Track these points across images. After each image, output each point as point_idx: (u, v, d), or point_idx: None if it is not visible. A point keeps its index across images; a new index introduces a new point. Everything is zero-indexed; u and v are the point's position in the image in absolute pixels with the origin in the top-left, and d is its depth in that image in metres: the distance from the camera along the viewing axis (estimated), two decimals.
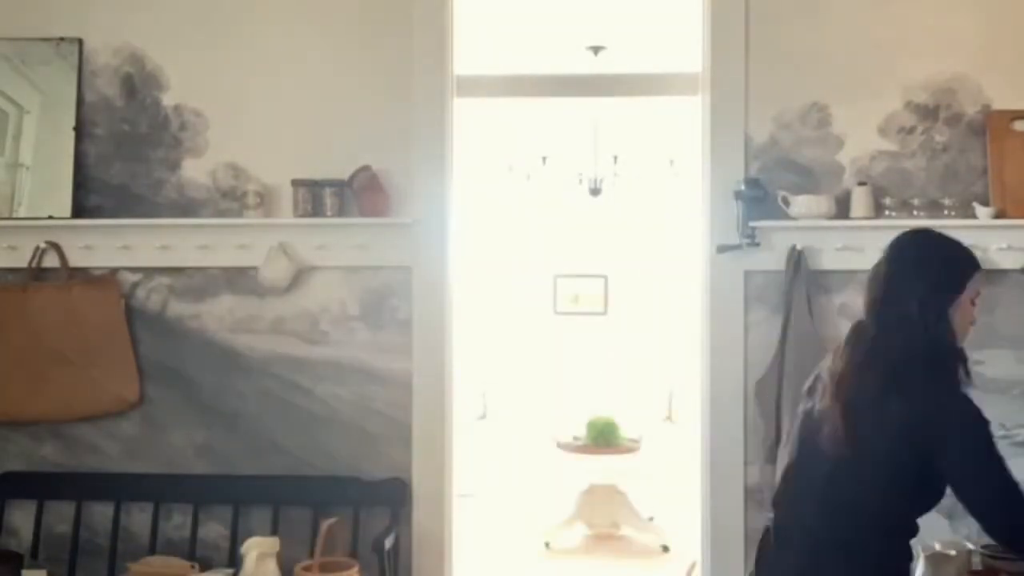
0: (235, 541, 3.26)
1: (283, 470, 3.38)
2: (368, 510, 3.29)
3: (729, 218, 3.26)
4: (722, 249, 3.26)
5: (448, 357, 3.40)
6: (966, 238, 3.16)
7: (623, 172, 6.84)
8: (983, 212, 3.16)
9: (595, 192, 6.84)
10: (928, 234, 2.32)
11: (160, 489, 3.37)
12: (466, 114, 3.74)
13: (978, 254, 3.14)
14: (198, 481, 3.38)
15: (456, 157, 3.44)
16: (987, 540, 3.03)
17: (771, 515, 2.28)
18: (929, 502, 2.19)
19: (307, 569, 3.00)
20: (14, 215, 3.37)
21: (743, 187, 3.23)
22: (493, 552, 5.79)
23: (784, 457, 2.29)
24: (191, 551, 3.32)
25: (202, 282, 3.41)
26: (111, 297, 3.38)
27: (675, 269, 7.64)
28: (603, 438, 6.05)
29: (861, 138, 3.29)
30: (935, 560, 2.79)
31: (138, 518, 3.39)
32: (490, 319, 8.09)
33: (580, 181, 6.94)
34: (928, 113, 3.28)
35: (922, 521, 3.23)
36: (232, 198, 3.39)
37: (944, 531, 3.20)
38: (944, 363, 2.10)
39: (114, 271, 3.41)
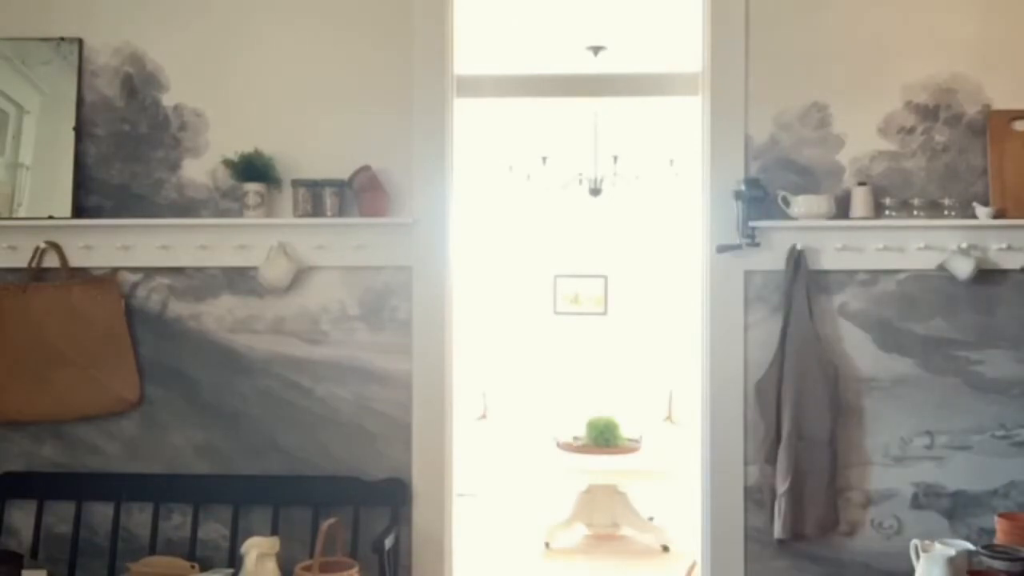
0: (235, 541, 3.26)
1: (283, 470, 3.38)
2: (368, 510, 3.30)
3: (729, 218, 3.26)
4: (722, 249, 3.26)
5: (448, 357, 3.40)
6: (966, 238, 3.21)
7: (623, 172, 6.84)
8: (983, 212, 3.17)
9: (595, 192, 6.84)
10: None
11: (160, 489, 3.37)
12: (466, 114, 3.74)
13: (978, 254, 3.20)
14: (198, 481, 3.38)
15: (456, 157, 3.44)
16: (987, 540, 3.05)
17: None
18: None
19: (307, 569, 3.00)
20: (14, 215, 3.37)
21: (743, 187, 3.23)
22: (493, 552, 5.78)
23: None
24: (191, 551, 3.32)
25: (202, 282, 3.41)
26: (111, 297, 3.38)
27: (675, 269, 7.64)
28: (603, 438, 6.04)
29: (861, 138, 3.29)
30: (935, 560, 2.79)
31: (138, 518, 3.39)
32: (490, 319, 8.08)
33: (580, 181, 6.95)
34: (928, 113, 3.28)
35: (922, 521, 3.27)
36: (232, 198, 3.39)
37: (944, 531, 3.21)
38: None
39: (114, 271, 3.41)
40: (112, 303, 3.38)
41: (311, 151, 3.38)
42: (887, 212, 3.24)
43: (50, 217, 3.36)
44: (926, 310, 3.26)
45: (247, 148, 3.33)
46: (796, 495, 3.18)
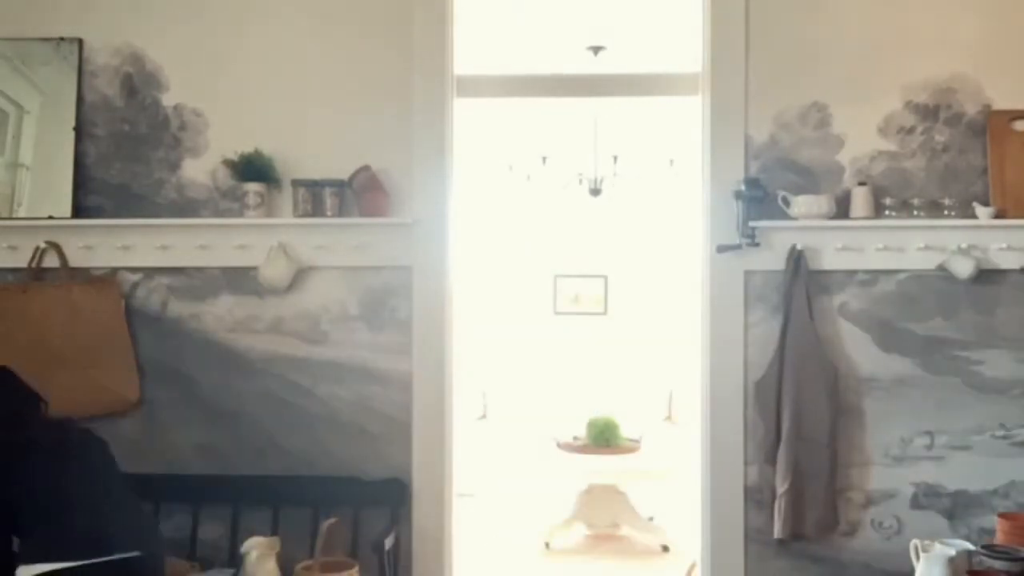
0: (235, 541, 3.26)
1: (283, 470, 3.38)
2: (368, 510, 3.29)
3: (729, 218, 3.26)
4: (722, 249, 3.26)
5: (448, 357, 3.40)
6: (966, 238, 3.21)
7: (623, 172, 6.85)
8: (983, 212, 3.17)
9: (595, 192, 6.85)
10: None
11: (160, 489, 3.37)
12: (466, 114, 3.74)
13: (978, 254, 3.20)
14: (198, 481, 3.38)
15: (456, 157, 3.44)
16: (987, 540, 3.05)
17: None
18: None
19: (307, 569, 3.00)
20: (14, 215, 3.37)
21: (743, 187, 3.23)
22: (493, 552, 5.78)
23: None
24: (191, 551, 3.32)
25: (202, 282, 3.41)
26: (111, 297, 3.38)
27: (675, 269, 7.64)
28: (603, 438, 6.04)
29: (861, 138, 3.29)
30: (935, 560, 2.79)
31: None
32: (490, 319, 8.09)
33: (580, 181, 6.95)
34: (928, 113, 3.28)
35: (922, 521, 3.27)
36: (232, 198, 3.39)
37: (944, 531, 3.21)
38: None
39: (114, 271, 3.41)
40: (112, 303, 3.37)
41: (311, 151, 3.37)
42: (887, 212, 3.24)
43: (50, 217, 3.36)
44: (926, 310, 3.26)
45: (247, 148, 3.33)
46: (796, 495, 3.18)
